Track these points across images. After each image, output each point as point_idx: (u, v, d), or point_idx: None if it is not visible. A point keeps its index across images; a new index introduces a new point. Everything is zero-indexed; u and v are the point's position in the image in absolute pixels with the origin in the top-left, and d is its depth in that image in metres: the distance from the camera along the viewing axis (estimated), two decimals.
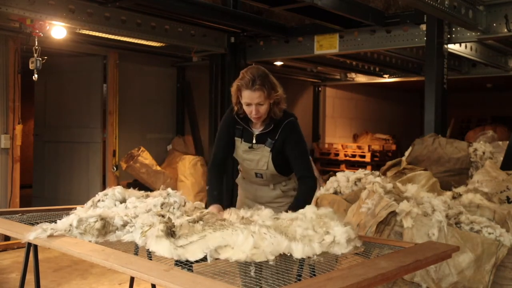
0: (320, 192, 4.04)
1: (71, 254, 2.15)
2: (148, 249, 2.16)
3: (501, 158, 4.57)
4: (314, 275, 2.18)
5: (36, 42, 5.28)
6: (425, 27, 5.37)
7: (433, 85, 5.23)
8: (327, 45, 6.32)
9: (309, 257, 2.02)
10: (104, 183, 7.24)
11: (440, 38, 5.28)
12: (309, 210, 2.34)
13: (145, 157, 7.41)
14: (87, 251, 2.09)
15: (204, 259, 1.97)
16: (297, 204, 2.62)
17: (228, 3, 6.20)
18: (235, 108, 2.87)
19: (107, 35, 5.68)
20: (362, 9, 5.50)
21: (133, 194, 2.82)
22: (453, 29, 5.46)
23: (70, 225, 2.35)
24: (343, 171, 4.46)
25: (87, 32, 5.63)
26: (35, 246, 2.46)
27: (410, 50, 7.04)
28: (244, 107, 2.78)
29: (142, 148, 7.46)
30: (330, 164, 10.46)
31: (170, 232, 2.06)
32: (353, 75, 10.07)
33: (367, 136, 11.72)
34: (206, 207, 2.78)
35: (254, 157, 2.89)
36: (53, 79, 7.38)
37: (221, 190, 2.89)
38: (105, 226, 2.36)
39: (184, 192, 3.19)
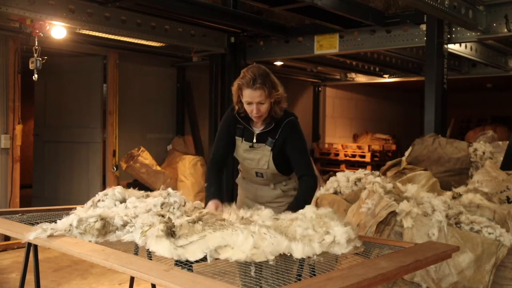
0: (320, 192, 4.04)
1: (71, 254, 2.15)
2: (148, 249, 2.16)
3: (501, 158, 4.57)
4: (314, 275, 2.18)
5: (36, 42, 5.28)
6: (425, 27, 5.37)
7: (433, 85, 5.24)
8: (327, 45, 6.32)
9: (309, 257, 2.02)
10: (104, 183, 7.24)
11: (440, 38, 5.28)
12: (309, 210, 2.34)
13: (145, 157, 7.41)
14: (87, 251, 2.09)
15: (204, 259, 1.97)
16: (297, 204, 2.62)
17: (228, 3, 6.20)
18: (236, 107, 2.87)
19: (107, 35, 5.68)
20: (362, 9, 5.51)
21: (133, 194, 2.82)
22: (453, 29, 5.46)
23: (70, 225, 2.35)
24: (343, 171, 4.46)
25: (87, 32, 5.63)
26: (35, 246, 2.46)
27: (410, 50, 7.03)
28: (245, 106, 2.78)
29: (142, 148, 7.46)
30: (330, 164, 10.46)
31: (170, 232, 2.06)
32: (353, 75, 10.07)
33: (367, 136, 11.72)
34: (205, 203, 2.78)
35: (254, 156, 2.89)
36: (53, 79, 7.38)
37: (220, 186, 2.88)
38: (105, 226, 2.36)
39: (184, 192, 3.19)
